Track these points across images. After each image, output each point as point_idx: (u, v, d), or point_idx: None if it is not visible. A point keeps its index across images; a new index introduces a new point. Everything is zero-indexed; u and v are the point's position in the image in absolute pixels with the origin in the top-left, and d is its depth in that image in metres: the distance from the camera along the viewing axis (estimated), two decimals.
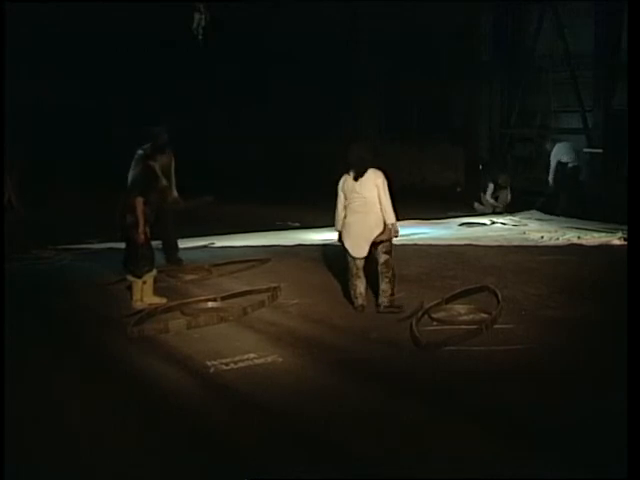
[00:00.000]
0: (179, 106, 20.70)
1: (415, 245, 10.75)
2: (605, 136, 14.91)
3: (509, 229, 12.75)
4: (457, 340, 6.40)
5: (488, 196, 14.76)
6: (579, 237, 11.68)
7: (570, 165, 14.32)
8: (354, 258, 7.41)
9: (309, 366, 5.90)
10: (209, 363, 5.87)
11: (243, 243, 11.21)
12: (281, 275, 8.90)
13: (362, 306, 7.43)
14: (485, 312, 7.19)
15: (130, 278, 7.64)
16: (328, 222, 12.92)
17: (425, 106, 19.28)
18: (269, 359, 6.00)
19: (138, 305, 7.49)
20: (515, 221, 13.49)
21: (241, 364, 5.88)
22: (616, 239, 11.21)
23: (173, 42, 18.05)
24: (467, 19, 17.71)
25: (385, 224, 7.33)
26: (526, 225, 13.09)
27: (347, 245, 7.44)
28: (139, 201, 7.41)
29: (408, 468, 4.23)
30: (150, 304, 7.51)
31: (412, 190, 17.44)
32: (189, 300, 7.75)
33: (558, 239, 11.65)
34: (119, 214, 7.58)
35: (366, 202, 7.32)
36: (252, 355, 6.05)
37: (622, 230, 11.16)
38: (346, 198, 7.44)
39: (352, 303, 7.50)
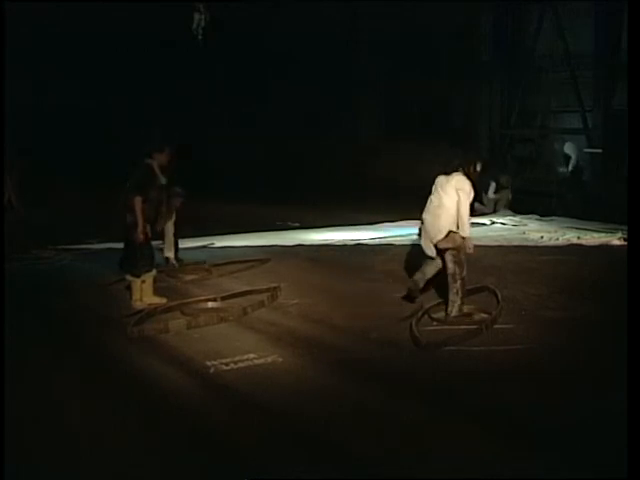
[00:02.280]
0: (179, 106, 20.72)
1: (415, 245, 10.72)
2: (605, 136, 14.91)
3: (509, 229, 12.76)
4: (457, 340, 6.40)
5: (490, 194, 14.76)
6: (579, 237, 11.70)
7: (580, 163, 14.36)
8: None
9: (309, 366, 5.90)
10: (209, 363, 5.87)
11: (243, 243, 11.21)
12: (281, 275, 8.90)
13: (410, 288, 7.41)
14: (485, 312, 7.19)
15: (129, 277, 7.62)
16: (328, 222, 13.03)
17: (425, 106, 19.27)
18: (269, 359, 5.99)
19: (137, 305, 7.47)
20: (515, 221, 13.50)
21: (241, 364, 5.87)
22: (616, 239, 11.23)
23: (173, 42, 18.05)
24: (467, 19, 17.71)
25: (450, 232, 7.07)
26: (526, 225, 13.11)
27: (421, 242, 7.42)
28: (137, 200, 7.36)
29: (408, 468, 4.23)
30: (150, 304, 7.50)
31: (412, 190, 17.44)
32: (189, 300, 7.75)
33: (558, 239, 11.67)
34: (120, 214, 7.56)
35: (441, 204, 7.14)
36: (252, 355, 6.05)
37: (622, 230, 11.17)
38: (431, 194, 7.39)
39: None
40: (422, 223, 7.35)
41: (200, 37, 12.53)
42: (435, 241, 7.14)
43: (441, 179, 7.28)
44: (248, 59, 20.65)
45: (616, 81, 14.34)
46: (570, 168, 14.60)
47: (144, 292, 7.60)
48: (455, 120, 18.71)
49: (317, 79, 20.20)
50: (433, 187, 7.35)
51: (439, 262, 7.28)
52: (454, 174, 7.17)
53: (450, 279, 7.12)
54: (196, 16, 12.38)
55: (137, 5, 17.68)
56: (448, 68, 17.86)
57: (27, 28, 17.35)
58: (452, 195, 7.08)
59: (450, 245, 7.09)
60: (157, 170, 7.77)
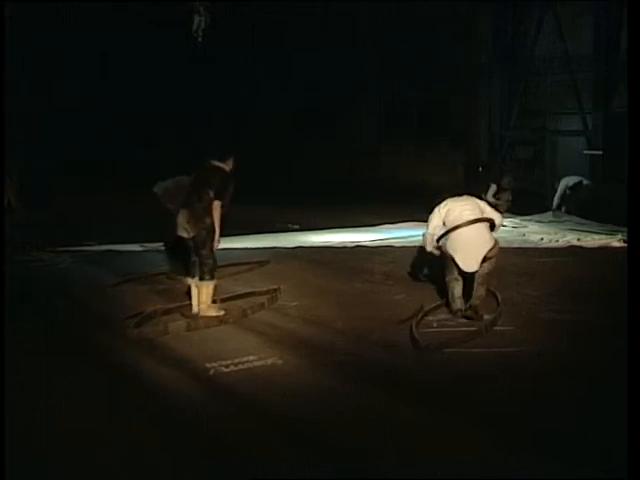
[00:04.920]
0: (179, 107, 20.75)
1: (415, 247, 10.74)
2: (605, 138, 14.92)
3: (509, 231, 12.75)
4: (457, 342, 6.40)
5: (489, 196, 14.74)
6: (579, 239, 11.71)
7: (585, 182, 14.25)
8: (461, 271, 7.17)
9: (309, 368, 5.90)
10: (209, 365, 5.87)
11: (243, 245, 11.19)
12: (281, 277, 8.90)
13: (460, 310, 7.18)
14: (485, 314, 7.18)
15: (204, 282, 7.27)
16: (328, 224, 13.03)
17: (425, 107, 19.30)
18: (269, 361, 5.99)
19: (194, 310, 7.30)
20: (515, 223, 13.50)
21: (241, 366, 5.87)
22: (616, 241, 11.23)
23: (173, 43, 18.06)
24: (467, 20, 17.74)
25: (496, 242, 7.22)
26: (526, 227, 13.11)
27: (458, 259, 7.11)
28: (218, 205, 7.14)
29: (408, 468, 4.24)
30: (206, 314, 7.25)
31: (411, 192, 17.46)
32: (189, 302, 7.73)
33: (558, 241, 11.68)
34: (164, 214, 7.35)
35: (482, 215, 7.27)
36: (252, 357, 6.05)
37: (622, 232, 11.18)
38: (449, 214, 7.24)
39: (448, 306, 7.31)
40: (456, 242, 7.14)
41: (200, 39, 12.52)
42: (487, 251, 7.09)
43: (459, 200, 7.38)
44: (248, 60, 20.69)
45: (616, 82, 14.35)
46: (556, 202, 14.46)
47: (201, 299, 7.34)
48: (455, 121, 18.74)
49: (317, 80, 20.24)
50: (441, 211, 7.35)
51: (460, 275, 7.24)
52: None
53: (487, 278, 7.25)
54: (196, 18, 12.36)
55: (138, 6, 17.72)
56: (448, 69, 17.89)
57: (27, 28, 17.38)
58: (488, 209, 7.35)
59: (494, 254, 7.18)
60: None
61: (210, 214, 7.17)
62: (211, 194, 7.20)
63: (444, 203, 7.41)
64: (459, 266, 7.14)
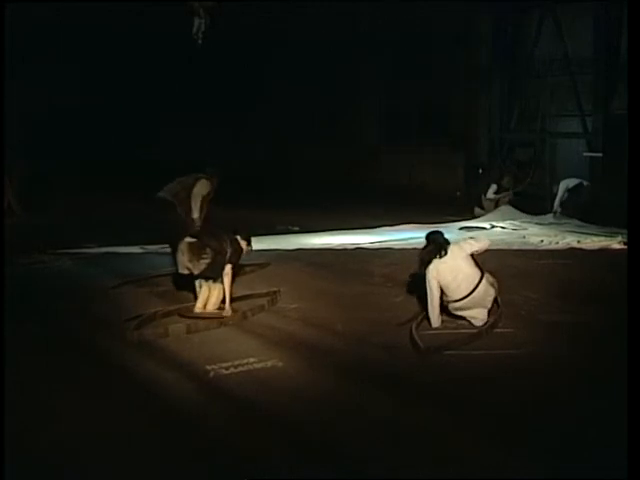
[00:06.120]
0: (180, 107, 20.75)
1: (414, 249, 10.69)
2: (605, 140, 14.91)
3: (509, 233, 12.76)
4: (457, 344, 6.41)
5: (490, 195, 14.79)
6: (579, 241, 11.70)
7: (585, 183, 14.26)
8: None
9: (309, 370, 5.91)
10: (209, 367, 5.87)
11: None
12: (281, 279, 8.89)
13: None
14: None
15: (217, 283, 7.37)
16: (328, 226, 13.02)
17: (425, 109, 19.28)
18: (269, 363, 6.00)
19: (197, 310, 7.36)
20: (515, 225, 13.49)
21: (241, 368, 5.87)
22: (616, 243, 11.23)
23: (174, 45, 18.05)
24: (467, 21, 17.71)
25: (488, 283, 7.00)
26: (526, 229, 13.10)
27: (467, 316, 6.98)
28: (228, 269, 7.25)
29: (408, 468, 4.24)
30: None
31: (411, 194, 17.47)
32: (189, 304, 7.74)
33: (558, 243, 11.66)
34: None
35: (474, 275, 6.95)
36: (252, 359, 6.05)
37: (622, 234, 11.17)
38: (442, 277, 6.85)
39: None
40: (466, 306, 6.94)
41: (200, 41, 12.48)
42: (492, 301, 7.06)
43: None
44: (248, 60, 20.67)
45: (616, 84, 14.34)
46: (557, 203, 14.44)
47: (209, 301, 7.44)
48: (455, 123, 18.71)
49: (316, 81, 20.23)
50: (440, 264, 6.90)
51: None
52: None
53: None
54: (196, 20, 12.32)
55: (139, 7, 17.70)
56: (448, 71, 17.88)
57: (27, 28, 17.36)
58: (468, 246, 7.09)
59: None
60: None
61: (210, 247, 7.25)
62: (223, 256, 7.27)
63: (432, 266, 6.83)
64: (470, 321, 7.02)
